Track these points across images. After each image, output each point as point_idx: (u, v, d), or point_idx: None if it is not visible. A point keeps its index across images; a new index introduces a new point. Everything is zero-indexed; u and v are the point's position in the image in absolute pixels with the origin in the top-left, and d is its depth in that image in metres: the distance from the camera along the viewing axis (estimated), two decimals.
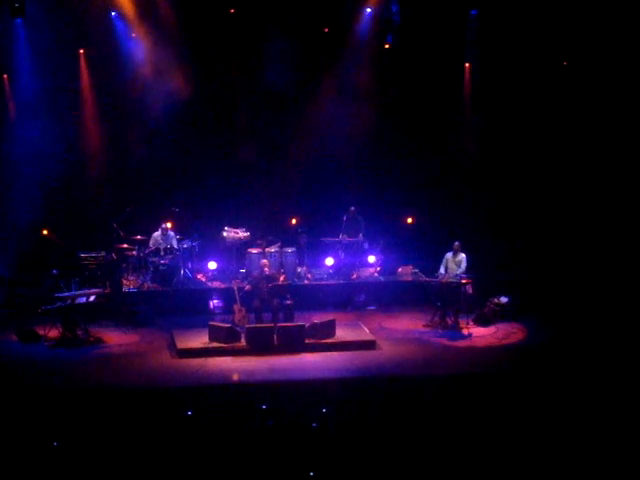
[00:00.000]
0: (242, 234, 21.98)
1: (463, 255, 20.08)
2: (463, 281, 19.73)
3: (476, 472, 12.80)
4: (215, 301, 20.84)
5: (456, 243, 20.17)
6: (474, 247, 21.32)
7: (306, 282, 21.79)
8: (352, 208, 22.23)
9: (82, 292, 19.01)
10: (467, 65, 23.80)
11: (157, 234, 21.36)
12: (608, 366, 16.84)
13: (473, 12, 23.11)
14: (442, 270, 20.08)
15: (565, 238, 22.89)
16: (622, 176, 22.92)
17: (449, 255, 20.15)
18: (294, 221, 23.49)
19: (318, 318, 19.14)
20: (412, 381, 16.38)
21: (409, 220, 24.15)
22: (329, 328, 18.63)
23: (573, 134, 23.38)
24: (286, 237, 22.29)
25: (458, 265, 20.02)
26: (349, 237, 22.13)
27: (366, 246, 22.37)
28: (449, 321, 19.69)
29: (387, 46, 23.65)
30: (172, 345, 18.31)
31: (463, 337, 19.17)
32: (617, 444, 13.57)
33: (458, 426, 14.19)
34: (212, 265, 21.89)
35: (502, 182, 23.61)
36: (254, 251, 21.23)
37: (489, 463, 13.03)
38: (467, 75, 23.86)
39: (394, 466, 12.89)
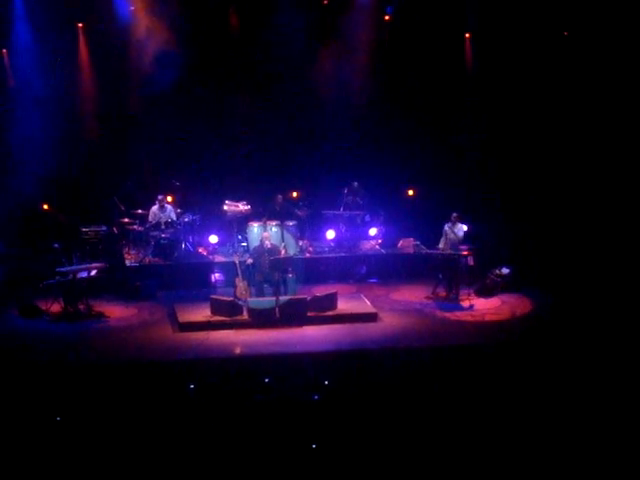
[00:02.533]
0: (243, 207, 21.92)
1: (460, 225, 20.00)
2: (464, 253, 19.70)
3: (477, 445, 12.81)
4: (216, 275, 20.84)
5: (454, 214, 20.07)
6: (476, 218, 21.33)
7: (307, 255, 21.75)
8: (355, 184, 22.16)
9: (84, 266, 19.00)
10: (467, 35, 23.73)
11: (155, 208, 21.34)
12: (616, 341, 16.75)
13: None
14: (441, 244, 20.04)
15: (566, 209, 22.86)
16: (626, 146, 22.85)
17: (447, 227, 20.07)
18: (295, 194, 23.43)
19: (319, 291, 19.15)
20: (414, 353, 16.37)
21: (410, 192, 24.12)
22: (331, 301, 18.63)
23: (574, 103, 23.30)
24: (293, 211, 22.18)
25: (457, 237, 19.93)
26: (350, 210, 22.13)
27: (367, 219, 22.33)
28: (451, 293, 19.68)
29: (387, 18, 23.62)
30: (174, 319, 18.32)
31: (465, 309, 19.16)
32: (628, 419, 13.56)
33: (461, 398, 14.20)
34: (213, 239, 21.86)
35: (504, 153, 23.55)
36: (255, 224, 21.18)
37: (490, 435, 13.04)
38: (467, 45, 23.78)
39: (395, 438, 12.90)
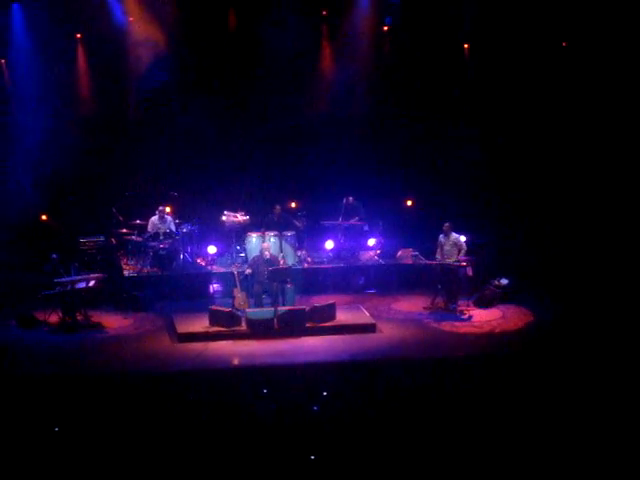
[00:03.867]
0: (241, 218, 21.92)
1: (456, 235, 19.95)
2: (463, 263, 19.69)
3: (475, 456, 12.76)
4: (215, 285, 20.80)
5: (446, 224, 19.97)
6: (475, 229, 21.37)
7: (306, 265, 21.73)
8: (350, 198, 22.15)
9: (82, 277, 18.96)
10: (466, 46, 23.77)
11: (155, 218, 21.32)
12: (617, 353, 16.68)
13: None
14: (438, 255, 19.99)
15: (565, 220, 22.89)
16: (627, 154, 22.87)
17: (441, 238, 20.01)
18: (294, 204, 23.44)
19: (318, 301, 19.15)
20: (413, 364, 16.35)
21: (409, 203, 24.17)
22: (329, 311, 18.60)
23: (575, 113, 23.34)
24: (291, 221, 22.13)
25: (454, 247, 19.81)
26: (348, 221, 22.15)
27: (366, 229, 22.33)
28: (449, 304, 19.63)
29: (386, 28, 23.70)
30: (172, 329, 18.29)
31: (463, 319, 19.13)
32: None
33: (461, 410, 14.16)
34: (212, 249, 21.82)
35: (503, 163, 23.59)
36: (253, 235, 21.16)
37: (489, 446, 12.99)
38: (466, 56, 23.82)
39: (394, 449, 12.87)
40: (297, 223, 21.90)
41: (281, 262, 19.47)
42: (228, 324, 18.09)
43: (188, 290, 20.75)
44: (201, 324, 18.27)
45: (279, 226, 21.44)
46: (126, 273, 20.93)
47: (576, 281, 20.76)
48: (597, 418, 13.74)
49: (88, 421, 13.70)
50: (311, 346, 17.57)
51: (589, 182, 23.09)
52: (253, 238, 21.05)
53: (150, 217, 21.39)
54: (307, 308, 18.48)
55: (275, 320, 18.05)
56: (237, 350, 17.37)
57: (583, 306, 19.43)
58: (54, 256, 19.02)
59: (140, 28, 22.50)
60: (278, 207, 21.95)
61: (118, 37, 22.60)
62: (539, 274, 21.25)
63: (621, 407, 14.10)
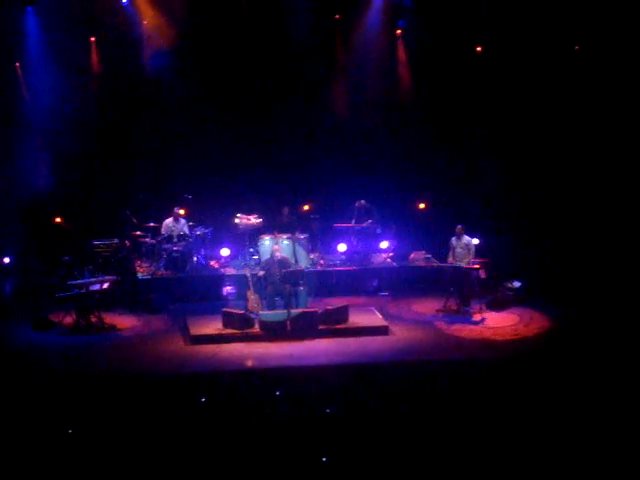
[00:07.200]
0: (254, 220, 21.97)
1: (468, 238, 19.95)
2: (475, 266, 19.70)
3: (486, 459, 12.76)
4: (228, 288, 20.85)
5: (458, 226, 19.97)
6: (487, 231, 21.38)
7: (319, 268, 21.78)
8: (363, 201, 22.16)
9: (96, 279, 19.04)
10: (479, 49, 23.76)
11: (169, 221, 21.39)
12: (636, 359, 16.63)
13: None
14: (450, 257, 20.00)
15: (577, 222, 22.86)
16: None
17: (453, 240, 20.02)
18: (307, 207, 23.49)
19: (331, 304, 19.18)
20: (425, 367, 16.35)
21: (421, 205, 24.19)
22: (342, 314, 18.64)
23: (588, 118, 23.32)
24: (299, 223, 22.22)
25: (465, 249, 19.85)
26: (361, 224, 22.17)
27: (378, 231, 22.34)
28: (462, 306, 19.64)
29: (399, 31, 23.73)
30: (185, 332, 18.35)
31: (476, 322, 19.12)
32: None
33: (472, 414, 14.14)
34: (225, 252, 21.92)
35: (515, 165, 23.58)
36: (267, 237, 21.19)
37: (500, 451, 12.99)
38: (479, 58, 23.82)
39: (405, 452, 12.88)
40: (296, 224, 21.82)
41: (293, 264, 19.50)
42: (241, 326, 18.15)
43: (201, 292, 20.83)
44: (214, 326, 18.34)
45: (288, 228, 21.48)
46: (140, 275, 21.00)
47: (589, 284, 20.72)
48: (617, 425, 13.67)
49: (101, 423, 13.76)
50: (324, 348, 17.60)
51: (606, 183, 23.03)
52: (266, 241, 21.07)
53: (164, 219, 21.47)
54: (320, 310, 18.52)
55: (288, 322, 18.10)
56: (250, 352, 17.41)
57: (597, 310, 19.37)
58: (66, 258, 19.06)
59: (154, 30, 22.57)
60: (286, 209, 22.03)
61: (132, 39, 22.67)
62: (552, 277, 21.21)
63: None
